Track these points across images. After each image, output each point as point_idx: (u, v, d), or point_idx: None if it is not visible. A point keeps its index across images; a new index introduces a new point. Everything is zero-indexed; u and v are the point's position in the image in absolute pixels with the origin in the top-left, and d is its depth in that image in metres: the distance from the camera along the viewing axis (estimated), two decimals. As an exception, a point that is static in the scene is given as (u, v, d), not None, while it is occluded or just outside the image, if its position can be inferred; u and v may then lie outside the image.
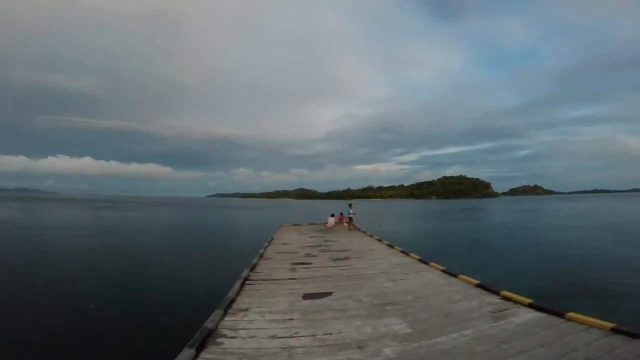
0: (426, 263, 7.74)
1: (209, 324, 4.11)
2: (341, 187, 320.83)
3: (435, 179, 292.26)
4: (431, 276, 6.58)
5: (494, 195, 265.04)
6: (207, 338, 3.78)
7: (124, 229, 30.17)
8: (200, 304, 7.28)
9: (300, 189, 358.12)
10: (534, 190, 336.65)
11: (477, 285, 5.66)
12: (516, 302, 4.70)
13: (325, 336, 3.84)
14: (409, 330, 3.90)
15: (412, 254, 8.77)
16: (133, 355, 6.24)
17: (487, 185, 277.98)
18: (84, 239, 21.55)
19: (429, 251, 15.23)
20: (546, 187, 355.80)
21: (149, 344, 6.50)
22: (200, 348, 3.53)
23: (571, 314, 3.99)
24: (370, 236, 13.36)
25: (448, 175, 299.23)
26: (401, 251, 9.51)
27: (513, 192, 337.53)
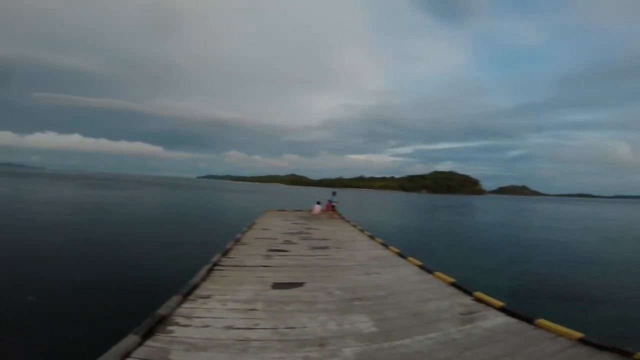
0: (404, 257, 7.45)
1: (162, 310, 3.85)
2: (333, 175, 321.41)
3: (427, 173, 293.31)
4: (407, 271, 6.32)
5: (482, 192, 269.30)
6: (157, 325, 3.52)
7: (104, 207, 29.43)
8: (163, 287, 6.99)
9: (292, 175, 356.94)
10: (522, 191, 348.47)
11: (452, 284, 5.44)
12: (488, 304, 4.54)
13: (287, 330, 3.60)
14: (373, 330, 3.65)
15: (392, 247, 8.45)
16: (76, 339, 5.74)
17: (475, 182, 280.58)
18: (59, 215, 20.87)
19: (411, 245, 15.25)
20: (533, 188, 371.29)
21: (97, 327, 6.12)
22: (147, 335, 3.27)
23: (541, 321, 3.84)
24: (354, 226, 13.07)
25: (440, 170, 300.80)
26: (381, 243, 9.19)
27: (501, 190, 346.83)
